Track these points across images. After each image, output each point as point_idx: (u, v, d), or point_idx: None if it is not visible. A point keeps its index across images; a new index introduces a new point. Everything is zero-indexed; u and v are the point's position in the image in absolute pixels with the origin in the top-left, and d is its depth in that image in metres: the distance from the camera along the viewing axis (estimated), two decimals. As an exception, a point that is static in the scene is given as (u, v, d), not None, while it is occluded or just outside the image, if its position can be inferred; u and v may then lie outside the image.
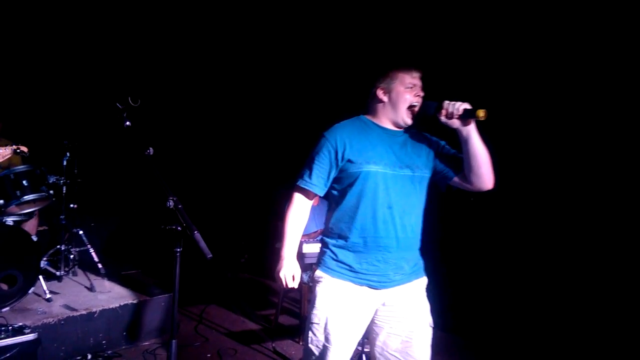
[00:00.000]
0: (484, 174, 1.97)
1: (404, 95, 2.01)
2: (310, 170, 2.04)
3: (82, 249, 4.34)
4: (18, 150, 2.63)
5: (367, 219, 1.95)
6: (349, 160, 1.99)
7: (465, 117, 1.89)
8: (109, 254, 5.62)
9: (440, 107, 1.93)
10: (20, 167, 3.72)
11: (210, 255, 1.69)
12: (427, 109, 1.99)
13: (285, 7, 5.00)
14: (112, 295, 3.80)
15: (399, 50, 4.44)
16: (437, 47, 4.30)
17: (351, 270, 1.98)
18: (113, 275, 4.49)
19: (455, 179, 2.06)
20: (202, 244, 1.59)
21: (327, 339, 1.95)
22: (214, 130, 6.29)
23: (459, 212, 4.46)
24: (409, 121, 2.03)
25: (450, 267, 4.36)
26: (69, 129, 4.50)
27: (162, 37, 5.49)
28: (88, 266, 4.38)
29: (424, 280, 2.11)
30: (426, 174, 2.06)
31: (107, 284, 4.11)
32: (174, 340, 1.87)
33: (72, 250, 4.19)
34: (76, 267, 4.26)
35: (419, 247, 2.08)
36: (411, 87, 2.02)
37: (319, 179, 2.04)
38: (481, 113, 1.84)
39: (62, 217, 4.03)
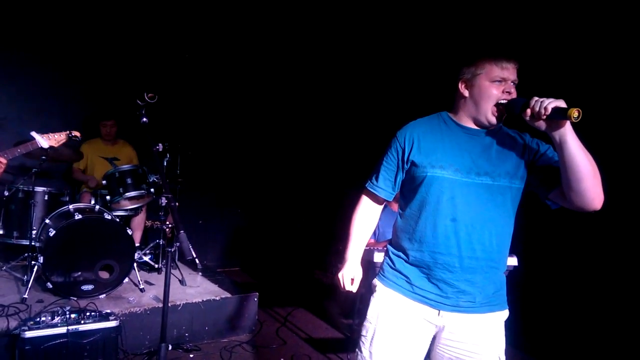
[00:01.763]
0: (586, 191, 1.52)
1: (489, 90, 1.67)
2: (378, 172, 1.88)
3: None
4: (71, 135, 2.80)
5: (427, 230, 1.70)
6: (414, 163, 1.75)
7: (556, 117, 1.48)
8: (214, 251, 5.98)
9: (527, 105, 1.54)
10: (125, 167, 4.08)
11: (191, 257, 1.62)
12: (514, 106, 1.61)
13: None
14: (199, 290, 3.96)
15: (488, 35, 3.98)
16: (536, 35, 3.79)
17: (408, 282, 1.75)
18: (214, 271, 4.72)
19: (552, 195, 1.65)
20: (186, 244, 1.51)
21: (371, 355, 1.75)
22: (288, 130, 6.29)
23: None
24: (494, 121, 1.69)
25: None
26: (170, 131, 4.83)
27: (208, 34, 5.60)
28: (190, 261, 4.66)
29: (502, 314, 1.76)
30: (513, 184, 1.68)
31: (199, 279, 4.32)
32: (163, 344, 1.80)
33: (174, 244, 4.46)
34: (175, 262, 4.54)
35: (501, 271, 1.73)
36: (499, 82, 1.66)
37: (385, 182, 1.87)
38: (575, 113, 1.42)
39: (161, 213, 4.31)
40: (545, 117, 1.49)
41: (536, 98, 1.53)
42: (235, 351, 3.57)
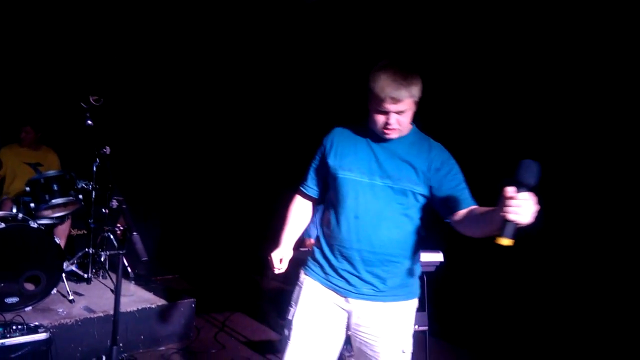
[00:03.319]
0: (475, 236, 1.66)
1: (374, 116, 1.76)
2: (307, 172, 2.06)
3: (113, 252, 4.46)
4: None
5: (336, 226, 1.87)
6: (330, 165, 1.90)
7: (504, 226, 1.38)
8: (151, 258, 5.79)
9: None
10: (51, 172, 3.89)
11: (146, 258, 1.64)
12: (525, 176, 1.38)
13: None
14: (133, 299, 3.85)
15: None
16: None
17: (322, 271, 1.92)
18: (147, 279, 4.59)
19: (450, 218, 1.78)
20: (139, 245, 1.54)
21: (289, 335, 1.91)
22: (223, 133, 6.29)
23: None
24: (387, 138, 1.81)
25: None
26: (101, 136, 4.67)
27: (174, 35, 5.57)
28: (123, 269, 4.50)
29: (408, 304, 1.91)
30: (416, 189, 1.80)
31: (132, 288, 4.19)
32: (115, 347, 1.79)
33: (101, 253, 4.30)
34: (106, 270, 4.38)
35: (404, 265, 1.86)
36: (383, 112, 1.73)
37: (312, 182, 2.05)
38: (504, 242, 1.39)
39: (90, 220, 4.15)
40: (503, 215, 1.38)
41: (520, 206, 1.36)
42: (173, 358, 3.52)
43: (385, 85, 1.67)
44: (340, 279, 1.87)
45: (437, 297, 3.49)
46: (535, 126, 4.00)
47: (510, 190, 1.36)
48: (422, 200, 1.83)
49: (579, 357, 3.51)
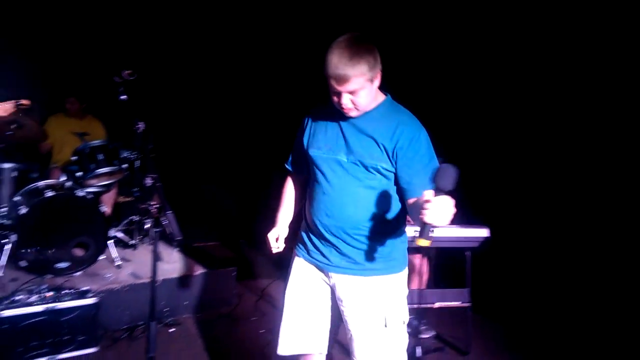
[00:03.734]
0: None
1: (331, 96, 1.74)
2: (291, 151, 2.11)
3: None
4: (19, 103, 2.69)
5: (310, 202, 1.94)
6: (302, 143, 1.96)
7: (424, 230, 1.45)
8: (194, 224, 5.92)
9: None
10: (96, 142, 3.97)
11: (180, 237, 1.64)
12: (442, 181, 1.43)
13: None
14: (176, 266, 3.94)
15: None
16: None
17: (305, 248, 1.99)
18: (188, 246, 4.69)
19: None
20: (174, 225, 1.51)
21: (284, 305, 2.01)
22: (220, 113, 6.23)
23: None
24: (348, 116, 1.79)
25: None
26: (143, 106, 4.72)
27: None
28: (166, 236, 4.61)
29: (390, 278, 1.88)
30: (379, 165, 1.75)
31: (176, 255, 4.29)
32: (152, 322, 1.81)
33: (145, 220, 4.41)
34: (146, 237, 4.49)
35: (378, 241, 1.83)
36: (335, 93, 1.70)
37: (294, 159, 2.10)
38: (421, 243, 1.45)
39: (134, 189, 4.23)
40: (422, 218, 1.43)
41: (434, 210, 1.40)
42: (215, 324, 3.61)
43: (331, 65, 1.63)
44: (319, 253, 1.92)
45: (482, 273, 3.40)
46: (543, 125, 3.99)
47: (427, 194, 1.45)
48: (391, 175, 1.79)
49: (621, 341, 3.36)
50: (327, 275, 1.93)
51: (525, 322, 3.87)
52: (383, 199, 1.81)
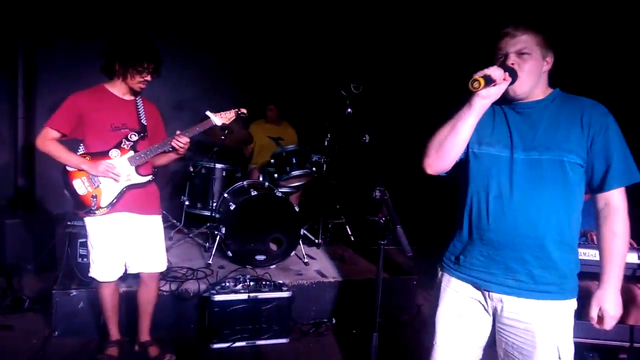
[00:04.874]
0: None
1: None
2: None
3: (337, 221, 4.77)
4: (239, 112, 2.90)
5: (469, 209, 1.69)
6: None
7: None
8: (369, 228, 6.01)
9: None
10: (291, 146, 4.29)
11: (410, 253, 1.58)
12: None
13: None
14: (356, 269, 4.04)
15: None
16: None
17: (455, 263, 1.75)
18: (365, 249, 4.79)
19: None
20: (404, 239, 1.47)
21: (433, 338, 1.80)
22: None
23: None
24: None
25: None
26: (329, 112, 4.96)
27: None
28: (343, 238, 4.80)
29: (564, 305, 1.62)
30: (572, 159, 1.55)
31: (356, 257, 4.41)
32: (375, 334, 1.79)
33: (329, 221, 4.62)
34: (334, 237, 4.70)
35: (560, 255, 1.58)
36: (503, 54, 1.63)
37: None
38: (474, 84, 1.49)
39: (321, 191, 4.47)
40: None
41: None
42: (395, 332, 3.59)
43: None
44: (480, 271, 1.67)
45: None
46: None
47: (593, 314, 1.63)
48: (578, 171, 1.57)
49: None
50: (486, 297, 1.69)
51: None
52: (568, 203, 1.59)
